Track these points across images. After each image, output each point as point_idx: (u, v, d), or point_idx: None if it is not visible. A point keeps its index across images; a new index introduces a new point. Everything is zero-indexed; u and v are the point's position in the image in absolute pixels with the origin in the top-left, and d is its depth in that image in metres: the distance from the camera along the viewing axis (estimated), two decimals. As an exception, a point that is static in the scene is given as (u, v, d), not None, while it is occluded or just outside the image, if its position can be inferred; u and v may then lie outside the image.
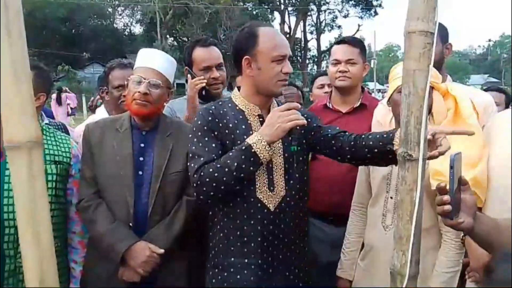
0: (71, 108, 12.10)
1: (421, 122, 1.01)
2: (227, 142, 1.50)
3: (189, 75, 2.05)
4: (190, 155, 1.51)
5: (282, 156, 1.53)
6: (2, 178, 1.55)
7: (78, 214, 1.74)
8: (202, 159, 1.46)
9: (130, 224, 1.62)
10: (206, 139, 1.50)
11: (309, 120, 1.56)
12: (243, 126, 1.52)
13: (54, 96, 11.12)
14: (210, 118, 1.52)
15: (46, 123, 1.91)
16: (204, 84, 1.98)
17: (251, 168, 1.42)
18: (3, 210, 1.52)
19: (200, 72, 2.03)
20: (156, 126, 1.73)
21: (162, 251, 1.59)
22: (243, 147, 1.41)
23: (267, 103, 1.56)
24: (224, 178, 1.41)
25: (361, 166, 1.84)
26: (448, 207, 0.99)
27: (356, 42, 2.20)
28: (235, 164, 1.40)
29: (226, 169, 1.41)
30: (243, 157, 1.40)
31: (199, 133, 1.51)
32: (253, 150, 1.40)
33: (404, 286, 1.01)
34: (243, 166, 1.40)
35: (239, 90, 1.60)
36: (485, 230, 1.03)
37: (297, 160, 1.55)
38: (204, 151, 1.48)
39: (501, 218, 1.11)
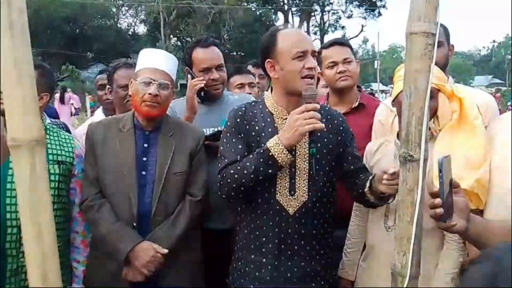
0: (75, 108, 12.13)
1: (422, 123, 1.01)
2: (253, 144, 1.52)
3: (189, 76, 2.06)
4: (219, 155, 1.56)
5: (307, 161, 1.52)
6: (4, 178, 1.55)
7: (81, 214, 1.74)
8: (226, 160, 1.50)
9: (134, 224, 1.63)
10: (234, 140, 1.53)
11: (343, 134, 1.59)
12: (270, 129, 1.53)
13: (57, 96, 11.16)
14: (238, 120, 1.55)
15: (49, 123, 1.92)
16: (202, 85, 1.98)
17: (270, 171, 1.43)
18: (6, 209, 1.53)
19: (200, 73, 2.03)
20: (159, 126, 1.73)
21: (166, 251, 1.59)
22: (262, 150, 1.43)
23: (297, 104, 1.48)
24: (243, 180, 1.44)
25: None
26: (439, 210, 1.00)
27: (345, 42, 2.22)
28: (253, 166, 1.42)
29: (245, 171, 1.43)
30: (261, 160, 1.42)
31: (228, 134, 1.55)
32: (270, 154, 1.40)
33: (405, 286, 1.02)
34: (261, 169, 1.42)
35: (271, 91, 1.62)
36: (478, 231, 1.04)
37: (324, 167, 1.54)
38: (229, 152, 1.52)
39: (496, 219, 1.11)
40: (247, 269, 1.56)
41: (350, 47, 2.20)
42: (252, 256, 1.55)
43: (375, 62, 29.68)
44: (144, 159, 1.69)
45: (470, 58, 67.40)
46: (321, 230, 1.56)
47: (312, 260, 1.54)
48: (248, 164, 1.44)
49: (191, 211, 1.68)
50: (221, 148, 1.55)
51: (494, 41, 65.16)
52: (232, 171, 1.46)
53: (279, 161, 1.41)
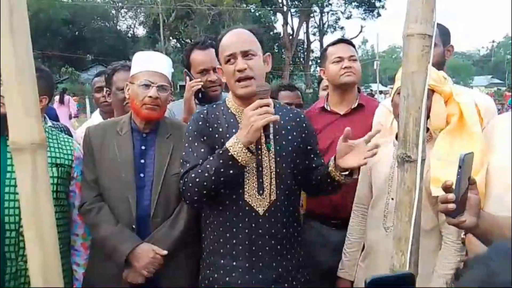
0: (75, 111, 12.13)
1: (419, 124, 1.02)
2: (217, 146, 1.50)
3: (187, 77, 2.07)
4: (181, 160, 1.55)
5: (273, 159, 1.52)
6: (3, 182, 1.56)
7: (81, 217, 1.75)
8: (188, 165, 1.49)
9: (133, 226, 1.63)
10: (196, 144, 1.52)
11: (306, 131, 1.60)
12: (234, 130, 1.51)
13: (57, 98, 11.17)
14: (200, 123, 1.54)
15: (49, 126, 1.92)
16: (199, 86, 1.99)
17: (231, 171, 1.41)
18: (4, 213, 1.54)
19: (198, 74, 2.04)
20: (156, 128, 1.74)
21: (165, 252, 1.60)
22: (221, 151, 1.42)
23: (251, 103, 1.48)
24: (205, 183, 1.43)
25: (363, 167, 1.83)
26: (452, 206, 0.98)
27: (351, 42, 2.25)
28: (213, 168, 1.41)
29: (206, 174, 1.42)
30: (221, 161, 1.41)
31: (190, 138, 1.54)
32: (229, 154, 1.39)
33: (403, 286, 1.02)
34: (222, 170, 1.41)
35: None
36: (488, 228, 1.03)
37: (289, 164, 1.54)
38: (192, 156, 1.50)
39: (502, 215, 1.11)
40: (216, 275, 1.53)
41: (355, 48, 2.22)
42: (222, 261, 1.52)
43: (375, 62, 29.69)
44: (142, 161, 1.69)
45: (469, 58, 67.35)
46: (290, 229, 1.55)
47: (283, 260, 1.53)
48: (208, 166, 1.42)
49: (189, 212, 1.68)
50: (183, 153, 1.54)
51: (493, 41, 65.23)
52: (193, 175, 1.44)
53: (240, 160, 1.39)
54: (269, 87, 1.45)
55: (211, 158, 1.45)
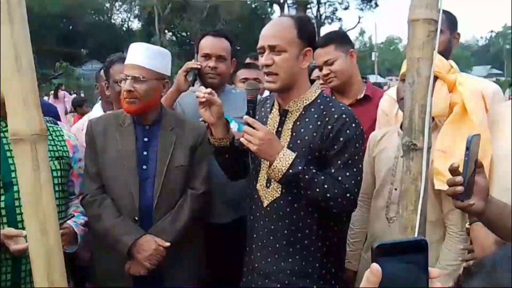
0: (71, 106, 12.08)
1: (425, 111, 1.01)
2: None
3: (193, 60, 2.08)
4: None
5: None
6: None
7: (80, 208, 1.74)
8: None
9: (136, 218, 1.63)
10: None
11: (330, 135, 1.41)
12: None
13: (51, 92, 11.14)
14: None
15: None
16: (194, 66, 1.98)
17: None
18: (20, 210, 1.52)
19: (201, 58, 2.03)
20: (159, 120, 1.72)
21: (168, 244, 1.60)
22: None
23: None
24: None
25: (366, 157, 1.81)
26: (460, 189, 0.96)
27: (327, 40, 2.10)
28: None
29: None
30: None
31: None
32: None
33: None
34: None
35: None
36: (496, 214, 1.01)
37: None
38: None
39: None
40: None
41: (337, 40, 2.09)
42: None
43: (373, 54, 29.55)
44: (145, 153, 1.68)
45: (468, 48, 67.18)
46: (292, 231, 1.44)
47: (281, 260, 1.45)
48: None
49: (192, 204, 1.67)
50: None
51: (492, 31, 65.26)
52: None
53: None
54: (258, 87, 1.50)
55: None
